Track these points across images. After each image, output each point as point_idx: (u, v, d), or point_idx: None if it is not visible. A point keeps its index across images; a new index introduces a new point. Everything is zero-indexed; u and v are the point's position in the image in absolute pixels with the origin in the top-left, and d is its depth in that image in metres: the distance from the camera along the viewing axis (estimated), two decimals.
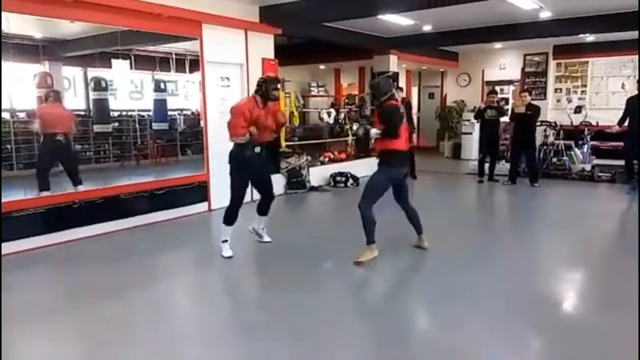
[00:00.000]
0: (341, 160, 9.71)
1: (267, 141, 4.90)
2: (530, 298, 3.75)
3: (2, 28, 7.35)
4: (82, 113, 9.76)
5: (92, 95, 9.05)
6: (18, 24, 7.12)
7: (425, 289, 4.04)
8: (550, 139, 9.57)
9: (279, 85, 4.81)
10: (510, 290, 3.91)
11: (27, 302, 3.83)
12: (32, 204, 5.25)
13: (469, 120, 12.10)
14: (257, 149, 4.68)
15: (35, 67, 8.46)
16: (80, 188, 6.10)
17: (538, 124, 9.38)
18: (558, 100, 12.38)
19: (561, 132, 9.60)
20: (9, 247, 4.87)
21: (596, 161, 9.46)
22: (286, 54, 8.78)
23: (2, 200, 5.41)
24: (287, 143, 8.82)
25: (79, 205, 5.51)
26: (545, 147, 9.50)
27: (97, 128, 9.20)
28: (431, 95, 14.91)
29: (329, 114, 10.05)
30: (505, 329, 3.26)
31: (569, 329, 3.27)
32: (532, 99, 8.97)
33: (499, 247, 5.31)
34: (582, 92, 12.12)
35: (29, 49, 8.28)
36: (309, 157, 8.82)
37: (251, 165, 4.66)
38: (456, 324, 3.32)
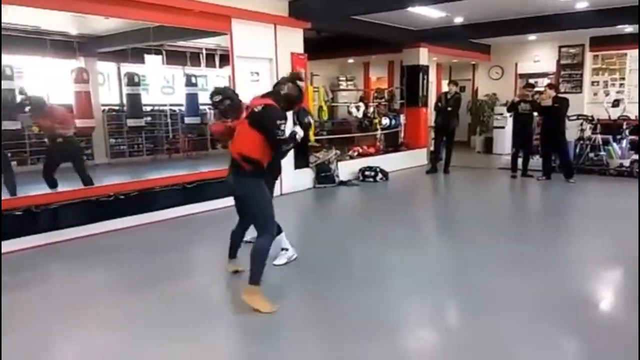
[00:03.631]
0: (370, 155, 9.65)
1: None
2: (565, 298, 3.64)
3: (40, 25, 7.61)
4: (116, 108, 10.01)
5: (126, 90, 9.26)
6: (55, 21, 7.33)
7: (455, 290, 3.96)
8: (587, 133, 9.27)
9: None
10: (544, 290, 3.80)
11: (63, 292, 3.94)
12: (68, 197, 5.40)
13: (501, 114, 11.86)
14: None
15: (71, 63, 8.70)
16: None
17: (574, 117, 9.13)
18: (595, 94, 12.01)
19: (598, 126, 9.29)
20: (46, 237, 5.02)
21: (635, 156, 9.13)
22: (315, 48, 8.76)
23: (41, 192, 5.62)
24: (316, 137, 8.83)
25: (113, 198, 5.65)
26: (581, 141, 9.23)
27: (130, 122, 9.41)
28: (462, 89, 14.66)
29: (357, 108, 9.99)
30: (540, 330, 3.17)
31: (605, 330, 3.17)
32: (566, 92, 8.73)
33: (533, 245, 5.17)
34: (620, 85, 11.73)
35: (65, 45, 8.51)
36: (338, 152, 8.80)
37: None
38: (489, 324, 3.25)
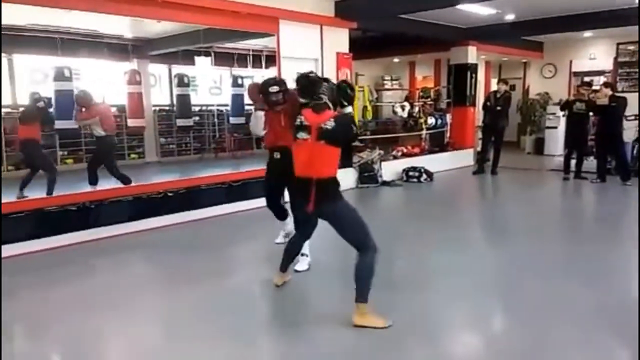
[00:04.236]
0: (415, 155, 9.53)
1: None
2: (620, 307, 3.47)
3: (98, 29, 7.96)
4: (167, 108, 10.34)
5: (176, 91, 9.54)
6: (111, 25, 7.65)
7: (503, 294, 3.86)
8: None
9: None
10: (597, 298, 3.65)
11: (111, 286, 4.08)
12: (118, 193, 5.64)
13: (554, 113, 11.43)
14: (276, 155, 4.08)
15: (125, 65, 9.04)
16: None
17: (632, 117, 8.69)
18: None
19: None
20: (96, 233, 5.22)
21: None
22: (360, 47, 8.72)
23: (93, 189, 5.89)
24: (360, 137, 8.79)
25: (163, 195, 5.84)
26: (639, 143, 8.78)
27: (179, 122, 9.69)
28: (512, 88, 14.22)
29: (402, 107, 9.89)
30: (592, 338, 3.06)
31: None
32: (624, 91, 8.32)
33: (586, 250, 4.94)
34: None
35: (120, 48, 8.86)
36: (382, 152, 8.74)
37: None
38: (537, 331, 3.14)
